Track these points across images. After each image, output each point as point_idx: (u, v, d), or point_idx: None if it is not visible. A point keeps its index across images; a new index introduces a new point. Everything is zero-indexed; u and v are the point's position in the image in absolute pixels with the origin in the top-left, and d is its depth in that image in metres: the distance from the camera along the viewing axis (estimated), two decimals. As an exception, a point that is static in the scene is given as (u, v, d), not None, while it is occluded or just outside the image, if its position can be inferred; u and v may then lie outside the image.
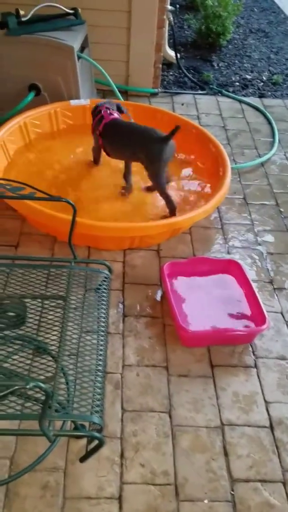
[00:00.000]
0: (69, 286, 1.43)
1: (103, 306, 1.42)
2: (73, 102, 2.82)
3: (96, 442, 1.16)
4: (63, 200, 1.38)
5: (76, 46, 2.72)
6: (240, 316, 1.91)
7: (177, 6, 4.63)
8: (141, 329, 1.86)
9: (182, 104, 3.41)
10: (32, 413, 1.09)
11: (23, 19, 2.67)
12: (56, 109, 2.79)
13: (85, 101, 2.84)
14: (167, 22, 3.41)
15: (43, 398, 0.96)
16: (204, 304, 1.97)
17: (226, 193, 2.33)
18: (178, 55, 3.76)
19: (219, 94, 3.60)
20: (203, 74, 3.81)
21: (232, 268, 2.09)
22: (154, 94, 3.46)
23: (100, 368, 1.22)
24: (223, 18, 4.05)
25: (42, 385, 0.89)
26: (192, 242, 2.29)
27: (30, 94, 2.77)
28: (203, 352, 1.81)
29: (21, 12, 2.67)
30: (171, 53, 3.78)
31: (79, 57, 2.76)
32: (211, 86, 3.68)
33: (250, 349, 1.84)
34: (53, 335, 1.34)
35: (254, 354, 1.82)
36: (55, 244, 2.18)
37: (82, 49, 2.86)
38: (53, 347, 1.34)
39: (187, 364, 1.76)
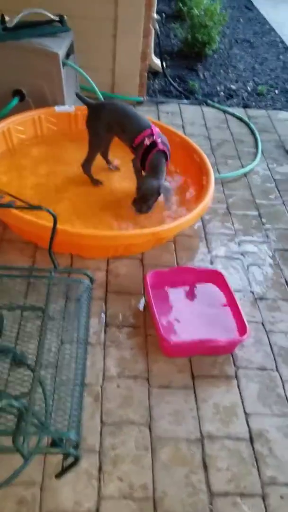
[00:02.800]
0: (49, 296, 1.41)
1: (83, 317, 1.40)
2: (58, 108, 2.80)
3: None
4: (44, 209, 1.37)
5: (62, 52, 2.71)
6: (222, 326, 1.91)
7: (164, 15, 4.68)
8: (123, 340, 1.85)
9: (167, 113, 3.42)
10: (6, 429, 1.07)
11: (9, 25, 2.65)
12: (40, 115, 2.77)
13: (70, 108, 2.82)
14: (153, 30, 3.42)
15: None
16: (186, 314, 1.96)
17: (210, 202, 2.33)
18: (164, 64, 3.77)
19: (204, 104, 3.62)
20: (189, 83, 3.84)
21: (214, 278, 2.09)
22: (139, 103, 3.46)
23: (77, 381, 1.20)
24: (209, 28, 4.09)
25: (15, 403, 0.87)
26: (176, 251, 2.28)
27: (14, 99, 2.74)
28: (185, 363, 1.79)
29: (7, 18, 2.65)
30: (157, 61, 3.80)
31: (64, 64, 2.75)
32: (196, 95, 3.70)
33: (231, 359, 1.83)
34: (32, 345, 1.32)
35: (235, 365, 1.82)
36: (36, 251, 2.15)
37: (67, 56, 2.85)
38: (32, 358, 1.32)
39: (168, 375, 1.75)
